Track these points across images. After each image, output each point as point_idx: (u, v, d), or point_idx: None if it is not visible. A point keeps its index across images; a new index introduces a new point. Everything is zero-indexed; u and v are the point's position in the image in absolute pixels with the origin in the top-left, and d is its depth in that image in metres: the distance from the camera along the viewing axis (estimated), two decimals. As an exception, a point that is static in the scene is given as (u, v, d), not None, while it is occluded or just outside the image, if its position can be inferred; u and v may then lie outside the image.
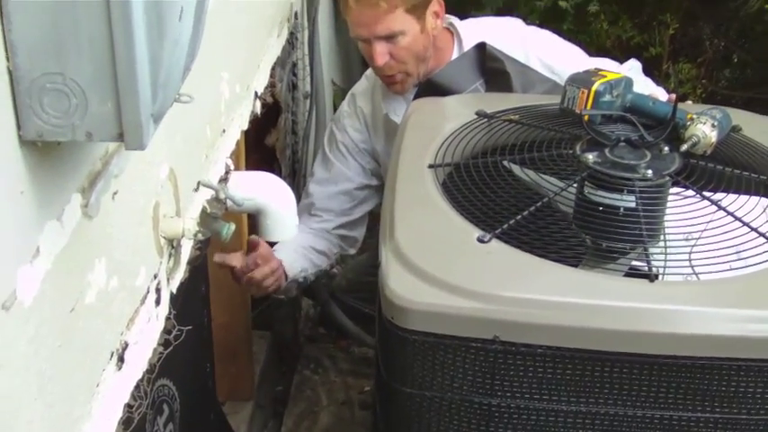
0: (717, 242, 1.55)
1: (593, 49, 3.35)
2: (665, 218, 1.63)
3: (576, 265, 1.56)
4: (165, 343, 1.51)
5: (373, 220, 2.78)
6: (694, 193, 1.65)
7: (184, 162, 1.61)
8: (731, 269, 1.52)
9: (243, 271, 2.38)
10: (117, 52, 0.91)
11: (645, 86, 2.31)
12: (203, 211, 1.70)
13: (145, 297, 1.42)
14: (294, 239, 2.32)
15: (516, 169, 1.76)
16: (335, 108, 3.14)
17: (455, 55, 2.53)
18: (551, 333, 1.43)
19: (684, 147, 1.72)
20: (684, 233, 1.59)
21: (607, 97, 1.85)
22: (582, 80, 1.86)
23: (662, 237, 1.60)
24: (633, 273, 1.57)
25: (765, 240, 1.56)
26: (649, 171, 1.63)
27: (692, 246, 1.55)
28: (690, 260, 1.52)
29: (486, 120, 1.95)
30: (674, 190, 1.67)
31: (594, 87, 1.84)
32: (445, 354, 1.46)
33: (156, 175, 1.46)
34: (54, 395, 1.08)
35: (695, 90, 3.95)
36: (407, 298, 1.45)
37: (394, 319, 1.47)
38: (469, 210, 1.64)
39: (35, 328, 1.02)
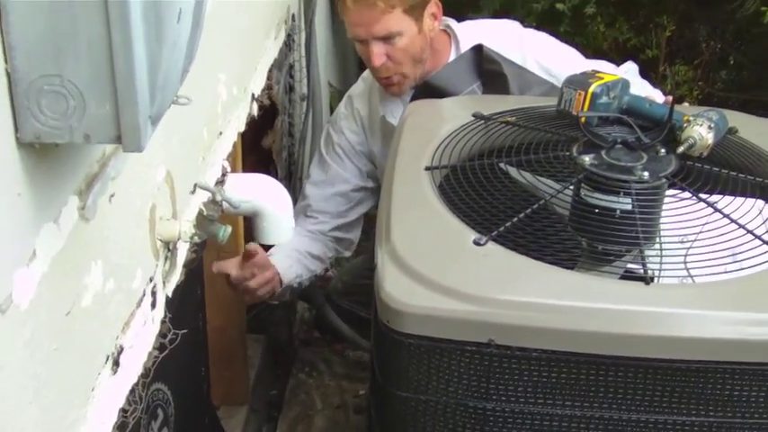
0: (712, 244, 1.55)
1: (590, 52, 3.36)
2: (661, 220, 1.63)
3: (572, 268, 1.56)
4: (160, 347, 1.51)
5: (368, 223, 2.79)
6: (690, 196, 1.65)
7: (181, 164, 1.60)
8: (727, 272, 1.52)
9: (238, 279, 2.38)
10: (115, 54, 0.91)
11: (642, 88, 2.32)
12: (200, 213, 1.70)
13: (141, 300, 1.42)
14: (290, 242, 2.32)
15: (513, 171, 1.76)
16: (332, 110, 3.14)
17: (452, 57, 2.54)
18: (546, 336, 1.43)
19: (681, 149, 1.72)
20: (680, 235, 1.59)
21: (604, 99, 1.85)
22: (579, 82, 1.87)
23: (658, 239, 1.60)
24: (629, 275, 1.58)
25: (761, 243, 1.57)
26: (646, 173, 1.63)
27: (688, 248, 1.56)
28: (685, 263, 1.52)
29: (482, 122, 1.95)
30: (670, 192, 1.67)
31: (591, 89, 1.84)
32: (440, 357, 1.46)
33: (153, 177, 1.46)
34: (49, 399, 1.08)
35: (692, 92, 3.95)
36: (403, 301, 1.45)
37: (389, 323, 1.47)
38: (466, 212, 1.64)
39: (31, 331, 1.01)
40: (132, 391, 1.38)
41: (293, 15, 2.85)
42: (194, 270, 1.77)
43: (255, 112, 2.27)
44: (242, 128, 2.14)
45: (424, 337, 1.45)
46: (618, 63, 2.58)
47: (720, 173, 1.73)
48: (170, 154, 1.52)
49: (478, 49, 2.43)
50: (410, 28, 2.40)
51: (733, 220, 1.60)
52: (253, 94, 2.25)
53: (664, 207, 1.64)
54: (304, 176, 2.94)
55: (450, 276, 1.48)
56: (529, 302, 1.45)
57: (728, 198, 1.66)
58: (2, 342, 0.95)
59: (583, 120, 1.80)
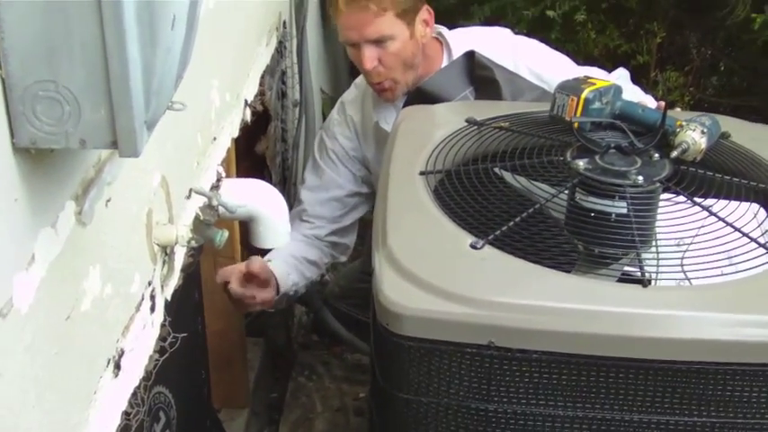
0: (708, 247, 1.55)
1: (581, 58, 3.37)
2: (657, 223, 1.64)
3: (569, 271, 1.56)
4: (160, 350, 1.51)
5: (363, 228, 2.79)
6: (685, 199, 1.65)
7: (176, 169, 1.60)
8: (723, 274, 1.52)
9: (237, 296, 2.37)
10: (110, 60, 0.91)
11: (633, 94, 2.32)
12: (196, 218, 1.70)
13: (140, 304, 1.42)
14: (286, 246, 2.31)
15: (507, 176, 1.76)
16: (324, 116, 3.15)
17: (444, 64, 2.54)
18: (546, 338, 1.43)
19: (674, 153, 1.72)
20: (676, 239, 1.60)
21: (597, 104, 1.85)
22: (571, 88, 1.87)
23: (654, 242, 1.60)
24: (626, 278, 1.58)
25: (756, 246, 1.57)
26: (640, 177, 1.63)
27: (684, 251, 1.56)
28: (682, 265, 1.53)
29: (476, 127, 1.95)
30: (665, 196, 1.67)
31: (584, 95, 1.84)
32: (440, 360, 1.46)
33: (149, 182, 1.46)
34: (51, 403, 1.08)
35: (683, 98, 3.97)
36: (402, 304, 1.45)
37: (389, 326, 1.46)
38: (462, 216, 1.64)
39: (32, 335, 1.01)
40: (134, 394, 1.38)
41: (284, 22, 2.85)
42: (192, 275, 1.76)
43: (248, 117, 2.27)
44: (235, 133, 2.14)
45: (423, 340, 1.45)
46: (609, 69, 2.58)
47: (714, 177, 1.73)
48: (165, 159, 1.53)
49: (470, 56, 2.44)
50: (402, 32, 2.41)
51: (728, 224, 1.60)
52: (246, 100, 2.25)
53: (659, 211, 1.64)
54: (298, 182, 2.94)
55: (448, 279, 1.48)
56: (528, 305, 1.45)
57: (723, 202, 1.66)
58: (3, 346, 0.95)
59: (576, 125, 1.80)
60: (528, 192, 1.71)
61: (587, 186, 1.63)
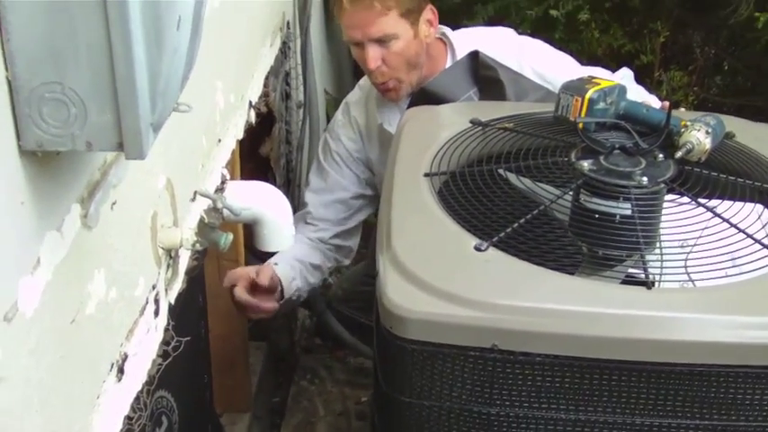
0: (712, 249, 1.55)
1: (585, 58, 3.36)
2: (661, 225, 1.63)
3: (573, 273, 1.56)
4: (163, 354, 1.51)
5: (367, 230, 2.79)
6: (689, 200, 1.65)
7: (181, 172, 1.60)
8: (727, 276, 1.52)
9: (241, 303, 2.38)
10: (116, 61, 0.91)
11: (637, 94, 2.32)
12: (201, 220, 1.70)
13: (144, 308, 1.42)
14: (291, 249, 2.32)
15: (512, 177, 1.76)
16: (329, 117, 3.14)
17: (448, 64, 2.54)
18: (549, 341, 1.43)
19: (679, 154, 1.72)
20: (680, 240, 1.60)
21: (601, 105, 1.85)
22: (576, 88, 1.87)
23: (658, 244, 1.60)
24: (630, 280, 1.58)
25: (761, 247, 1.57)
26: (645, 178, 1.63)
27: (688, 253, 1.56)
28: (686, 267, 1.53)
29: (480, 128, 1.95)
30: (669, 197, 1.67)
31: (588, 95, 1.84)
32: (444, 363, 1.46)
33: (154, 184, 1.46)
34: (55, 407, 1.08)
35: (687, 97, 3.95)
36: (406, 307, 1.45)
37: (392, 329, 1.47)
38: (466, 218, 1.64)
39: (36, 339, 1.01)
40: (137, 398, 1.38)
41: (288, 23, 2.85)
42: (195, 278, 1.76)
43: (253, 119, 2.27)
44: (240, 135, 2.14)
45: (427, 343, 1.45)
46: (613, 69, 2.58)
47: (719, 177, 1.73)
48: (170, 161, 1.53)
49: (475, 56, 2.44)
50: (406, 32, 2.41)
51: (732, 225, 1.60)
52: (250, 102, 2.26)
53: (663, 212, 1.64)
54: (302, 184, 2.94)
55: (453, 282, 1.48)
56: (531, 307, 1.45)
57: (727, 203, 1.66)
58: (8, 350, 0.95)
59: (580, 125, 1.80)
60: (532, 193, 1.71)
61: (592, 187, 1.63)
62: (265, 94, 2.50)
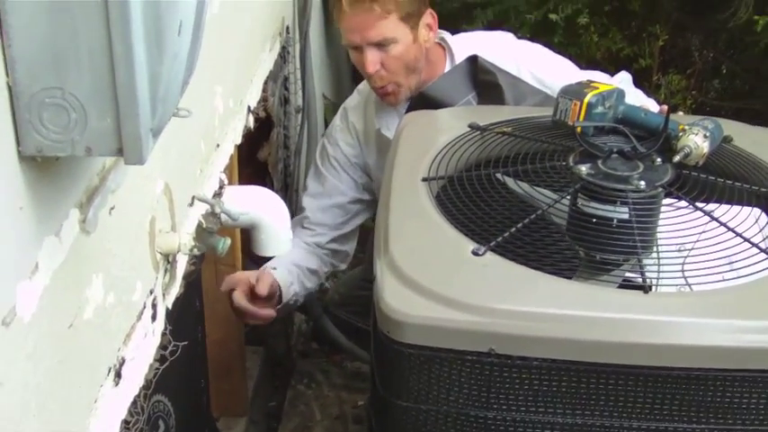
0: (710, 253, 1.55)
1: (584, 62, 3.37)
2: (659, 229, 1.64)
3: (570, 277, 1.56)
4: (160, 359, 1.51)
5: (364, 234, 2.79)
6: (687, 204, 1.65)
7: (179, 177, 1.61)
8: (724, 280, 1.52)
9: (239, 309, 2.37)
10: (116, 66, 0.91)
11: (636, 98, 2.32)
12: (199, 225, 1.70)
13: (141, 312, 1.42)
14: (288, 254, 2.32)
15: (510, 182, 1.76)
16: (327, 122, 3.15)
17: (447, 69, 2.54)
18: (547, 345, 1.43)
19: (677, 158, 1.72)
20: (677, 244, 1.60)
21: (599, 109, 1.85)
22: (574, 92, 1.87)
23: (655, 248, 1.60)
24: (627, 284, 1.58)
25: (758, 251, 1.57)
26: (642, 182, 1.63)
27: (686, 257, 1.56)
28: (683, 271, 1.53)
29: (479, 132, 1.95)
30: (666, 201, 1.67)
31: (587, 99, 1.84)
32: (441, 367, 1.46)
33: (152, 189, 1.46)
34: (52, 411, 1.08)
35: (685, 101, 3.96)
36: (403, 312, 1.45)
37: (389, 333, 1.47)
38: (464, 223, 1.64)
39: (34, 343, 1.02)
40: (134, 402, 1.38)
41: (288, 27, 2.85)
42: (193, 282, 1.77)
43: (251, 124, 2.28)
44: (238, 140, 2.14)
45: (424, 347, 1.45)
46: (611, 73, 2.58)
47: (716, 182, 1.73)
48: (168, 166, 1.53)
49: (473, 60, 2.44)
50: (405, 36, 2.41)
51: (730, 229, 1.60)
52: (249, 107, 2.26)
53: (661, 216, 1.65)
54: (300, 188, 2.94)
55: (450, 286, 1.48)
56: (529, 312, 1.45)
57: (725, 207, 1.66)
58: (5, 355, 0.95)
59: (579, 129, 1.80)
60: (530, 197, 1.72)
61: (589, 191, 1.63)
62: (264, 99, 2.50)
